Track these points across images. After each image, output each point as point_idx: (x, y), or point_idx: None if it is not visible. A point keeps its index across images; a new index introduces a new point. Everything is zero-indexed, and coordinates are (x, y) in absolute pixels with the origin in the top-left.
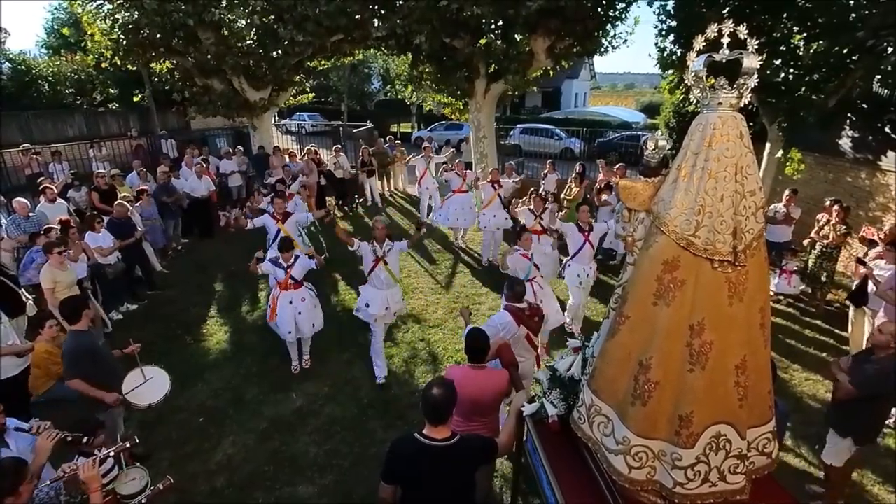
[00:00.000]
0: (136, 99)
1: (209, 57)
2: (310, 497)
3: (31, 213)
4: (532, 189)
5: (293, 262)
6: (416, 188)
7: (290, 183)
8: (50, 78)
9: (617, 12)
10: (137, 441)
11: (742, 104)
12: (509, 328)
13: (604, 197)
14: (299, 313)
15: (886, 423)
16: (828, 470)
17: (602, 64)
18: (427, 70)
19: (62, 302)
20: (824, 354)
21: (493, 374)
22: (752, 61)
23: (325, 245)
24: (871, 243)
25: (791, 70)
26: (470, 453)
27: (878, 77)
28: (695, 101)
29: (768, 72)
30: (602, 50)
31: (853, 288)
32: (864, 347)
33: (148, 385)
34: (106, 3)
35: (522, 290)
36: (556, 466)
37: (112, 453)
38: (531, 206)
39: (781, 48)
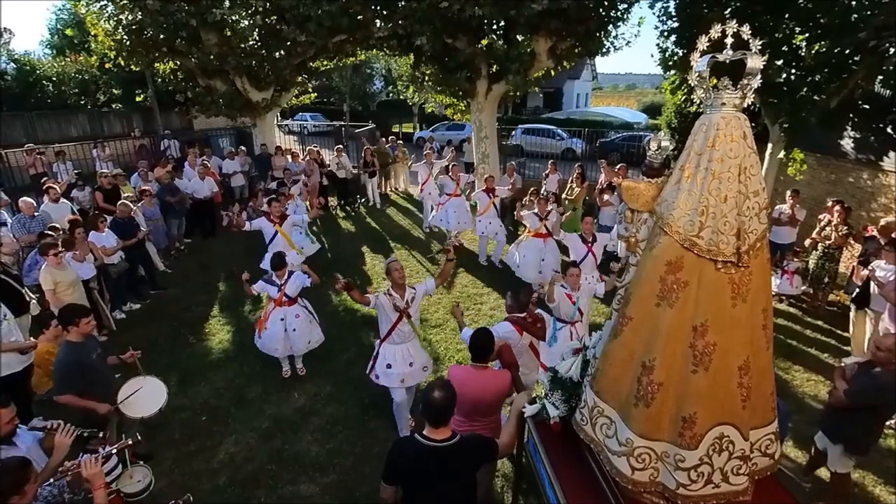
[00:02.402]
0: (139, 99)
1: (212, 57)
2: (312, 496)
3: (35, 213)
4: (532, 189)
5: (287, 278)
6: (417, 192)
7: (290, 186)
8: (54, 78)
9: (618, 13)
10: (140, 439)
11: (745, 104)
12: (511, 339)
13: (605, 197)
14: (294, 329)
15: (887, 423)
16: (832, 476)
17: (604, 64)
18: (429, 71)
19: (62, 309)
20: (826, 355)
21: (495, 374)
22: (755, 62)
23: (326, 245)
24: (867, 241)
25: (793, 70)
26: (470, 453)
27: (880, 78)
28: (698, 102)
29: (770, 72)
30: (604, 50)
31: (856, 290)
32: (864, 349)
33: (143, 397)
34: (109, 3)
35: (526, 302)
36: (558, 467)
37: (114, 451)
38: (536, 210)
39: (783, 49)
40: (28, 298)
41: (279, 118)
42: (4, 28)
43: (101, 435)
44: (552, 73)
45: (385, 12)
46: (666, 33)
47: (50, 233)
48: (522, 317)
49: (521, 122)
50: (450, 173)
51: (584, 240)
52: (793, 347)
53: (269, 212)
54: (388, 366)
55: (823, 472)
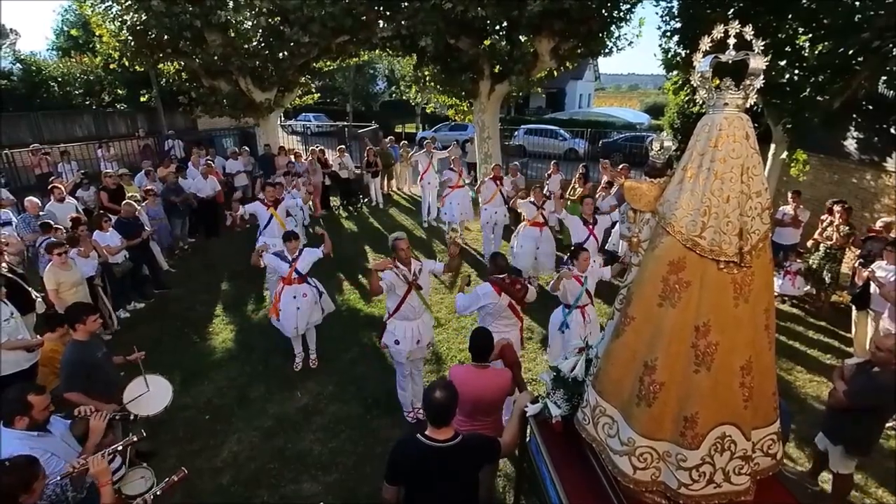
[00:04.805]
0: (143, 99)
1: (216, 58)
2: (314, 495)
3: (40, 213)
4: (536, 186)
5: (298, 254)
6: (417, 182)
7: (293, 178)
8: (59, 79)
9: (621, 13)
10: (145, 434)
11: (748, 105)
12: (491, 298)
13: (601, 195)
14: (298, 308)
15: (888, 425)
16: (835, 477)
17: (606, 65)
18: (431, 71)
19: (69, 307)
20: (828, 356)
21: (496, 373)
22: (757, 62)
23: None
24: (868, 241)
25: (796, 71)
26: (473, 453)
27: (884, 78)
28: (700, 102)
29: (773, 72)
30: (606, 51)
31: (857, 290)
32: (867, 349)
33: (149, 396)
34: (114, 4)
35: (504, 263)
36: (560, 467)
37: (120, 447)
38: (532, 199)
39: (786, 49)
40: (34, 297)
41: (282, 118)
42: (10, 29)
43: (132, 418)
44: (555, 73)
45: (388, 13)
46: (669, 34)
47: (58, 226)
48: (501, 278)
49: (523, 122)
50: (451, 165)
51: (585, 222)
52: (795, 348)
53: (263, 196)
54: (397, 342)
55: (825, 474)
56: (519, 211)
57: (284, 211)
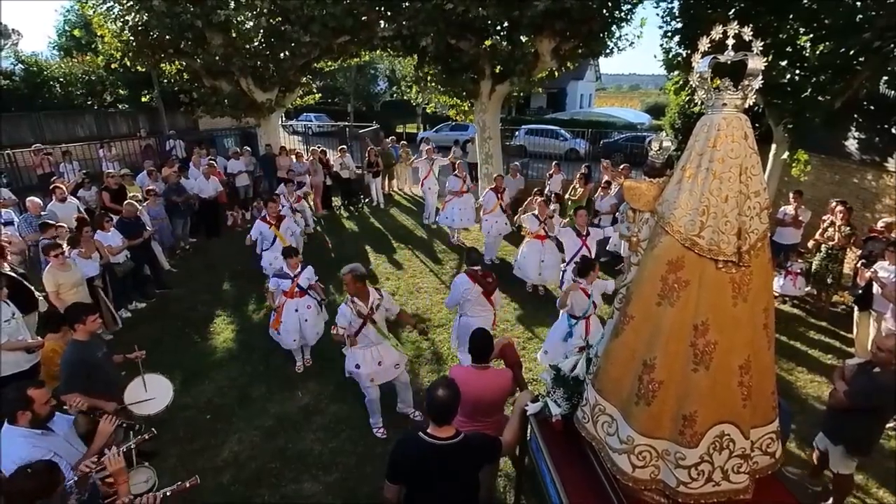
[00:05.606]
0: (145, 100)
1: (217, 58)
2: (315, 494)
3: (42, 212)
4: (536, 189)
5: (300, 271)
6: (419, 188)
7: (296, 184)
8: (61, 79)
9: (622, 14)
10: (155, 432)
11: (747, 105)
12: (466, 285)
13: (601, 194)
14: (305, 320)
15: (887, 425)
16: (835, 477)
17: (607, 65)
18: (432, 71)
19: (69, 307)
20: (829, 356)
21: (497, 373)
22: (756, 63)
23: (330, 245)
24: (870, 241)
25: (797, 71)
26: (474, 452)
27: (885, 78)
28: (700, 103)
29: (774, 73)
30: (607, 51)
31: (859, 291)
32: (868, 350)
33: (149, 394)
34: (116, 4)
35: (476, 257)
36: (560, 465)
37: (133, 445)
38: (535, 212)
39: (788, 49)
40: (37, 296)
41: (283, 118)
42: (12, 29)
43: (136, 427)
44: (556, 73)
45: (389, 13)
46: (670, 34)
47: (61, 225)
48: (475, 270)
49: (524, 122)
50: (455, 171)
51: (578, 233)
52: (796, 348)
53: (266, 213)
54: (357, 366)
55: (825, 473)
56: (523, 225)
57: (287, 230)
